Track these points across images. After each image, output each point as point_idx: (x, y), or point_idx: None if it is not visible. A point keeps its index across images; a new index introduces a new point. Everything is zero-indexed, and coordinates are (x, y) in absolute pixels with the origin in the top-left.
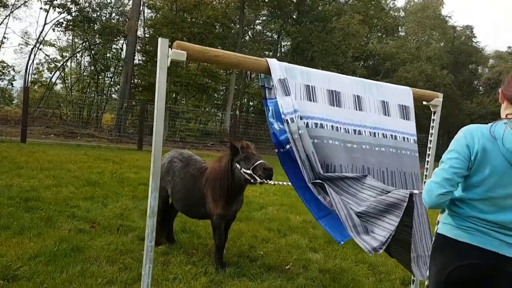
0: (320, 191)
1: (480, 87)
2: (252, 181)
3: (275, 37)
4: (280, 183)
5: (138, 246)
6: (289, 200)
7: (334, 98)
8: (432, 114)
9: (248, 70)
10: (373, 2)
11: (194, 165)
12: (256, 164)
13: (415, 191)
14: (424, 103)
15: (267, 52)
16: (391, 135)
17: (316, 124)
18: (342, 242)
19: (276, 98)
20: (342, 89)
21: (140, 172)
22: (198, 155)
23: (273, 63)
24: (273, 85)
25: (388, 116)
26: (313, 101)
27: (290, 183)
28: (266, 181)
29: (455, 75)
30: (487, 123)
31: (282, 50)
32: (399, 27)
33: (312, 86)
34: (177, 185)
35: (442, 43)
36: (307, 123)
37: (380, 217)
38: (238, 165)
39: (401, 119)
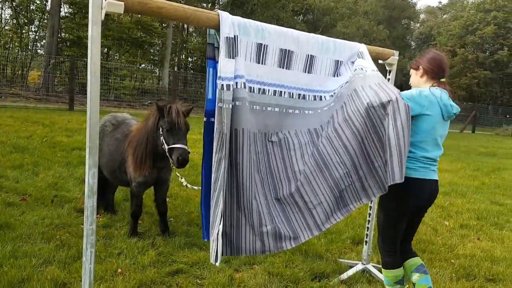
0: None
1: (412, 42)
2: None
3: None
4: (190, 186)
5: (76, 219)
6: None
7: (286, 58)
8: (387, 73)
9: (197, 24)
10: None
11: (122, 129)
12: (175, 146)
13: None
14: (380, 61)
15: (204, 4)
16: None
17: (259, 90)
18: (205, 240)
19: None
20: (296, 48)
21: (73, 135)
22: (135, 114)
23: (224, 17)
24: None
25: (338, 77)
26: (262, 63)
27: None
28: (179, 178)
29: (390, 30)
30: None
31: (221, 2)
32: None
33: (264, 45)
34: (102, 150)
35: None
36: (252, 88)
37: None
38: (161, 132)
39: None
